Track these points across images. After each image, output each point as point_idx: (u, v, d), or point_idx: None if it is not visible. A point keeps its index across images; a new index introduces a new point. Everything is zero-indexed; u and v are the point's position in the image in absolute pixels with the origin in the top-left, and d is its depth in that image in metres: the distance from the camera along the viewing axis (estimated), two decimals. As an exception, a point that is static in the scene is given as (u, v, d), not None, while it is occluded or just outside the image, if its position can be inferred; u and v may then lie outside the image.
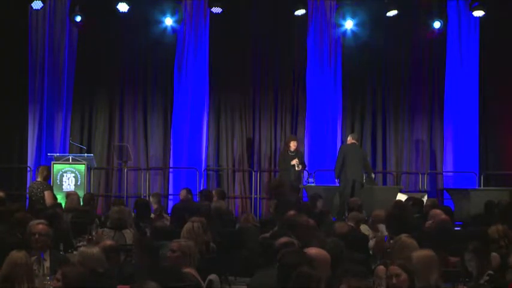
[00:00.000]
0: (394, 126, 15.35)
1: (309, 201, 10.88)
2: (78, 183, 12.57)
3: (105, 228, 7.63)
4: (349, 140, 12.67)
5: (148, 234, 7.74)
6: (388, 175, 15.37)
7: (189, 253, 5.65)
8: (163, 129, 14.94)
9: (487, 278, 5.58)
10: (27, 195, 13.86)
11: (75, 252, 7.03)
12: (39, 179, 10.90)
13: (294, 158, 12.81)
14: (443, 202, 14.04)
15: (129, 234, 7.43)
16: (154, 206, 10.26)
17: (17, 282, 4.97)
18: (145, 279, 4.74)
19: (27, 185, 14.03)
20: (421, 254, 5.14)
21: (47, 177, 11.16)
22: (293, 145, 12.94)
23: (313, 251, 5.20)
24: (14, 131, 14.52)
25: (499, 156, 15.30)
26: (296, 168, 12.74)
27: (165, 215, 10.12)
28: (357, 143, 12.87)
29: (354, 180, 12.26)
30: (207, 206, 9.10)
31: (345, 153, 12.36)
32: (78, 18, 13.93)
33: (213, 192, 11.00)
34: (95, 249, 5.49)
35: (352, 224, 7.90)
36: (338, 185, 12.57)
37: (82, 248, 5.87)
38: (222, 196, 10.77)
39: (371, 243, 7.56)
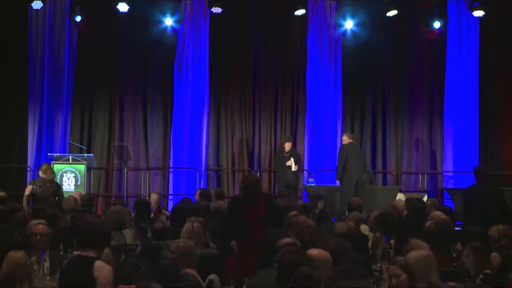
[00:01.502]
0: (394, 126, 15.35)
1: (310, 201, 10.87)
2: (78, 183, 12.59)
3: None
4: (346, 139, 12.61)
5: (149, 234, 7.73)
6: (388, 175, 15.36)
7: (188, 254, 5.64)
8: (163, 129, 14.94)
9: (482, 277, 5.59)
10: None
11: (75, 252, 7.03)
12: (51, 176, 10.90)
13: (289, 159, 12.84)
14: (443, 202, 14.03)
15: (128, 234, 7.42)
16: (155, 206, 10.27)
17: (18, 283, 4.97)
18: (146, 279, 4.75)
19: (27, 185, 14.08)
20: (418, 254, 5.14)
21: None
22: (287, 146, 12.99)
23: (315, 252, 5.20)
24: (14, 131, 14.53)
25: (499, 156, 15.30)
26: (292, 169, 12.77)
27: (164, 211, 10.12)
28: (355, 142, 12.90)
29: (357, 181, 12.30)
30: (207, 206, 9.10)
31: (346, 154, 12.35)
32: (78, 18, 13.91)
33: (211, 192, 11.01)
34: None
35: (352, 224, 7.89)
36: (338, 185, 12.57)
37: None
38: (221, 196, 10.75)
39: (370, 243, 7.57)
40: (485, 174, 9.34)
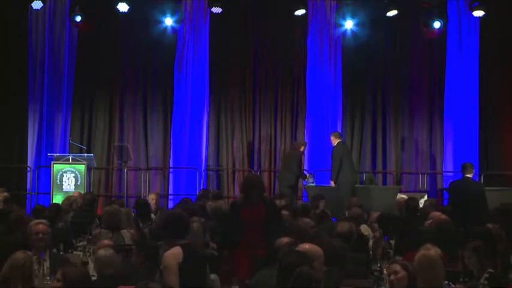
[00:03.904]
0: (394, 126, 15.35)
1: (311, 201, 10.87)
2: (78, 183, 12.59)
3: (102, 229, 7.61)
4: (335, 139, 12.50)
5: (147, 234, 7.73)
6: (388, 175, 15.37)
7: None
8: (163, 129, 14.94)
9: (487, 275, 5.57)
10: (27, 195, 13.98)
11: (75, 253, 7.04)
12: None
13: (301, 162, 12.95)
14: (443, 202, 14.03)
15: (127, 235, 7.41)
16: (154, 207, 10.27)
17: (13, 284, 4.97)
18: (146, 279, 4.74)
19: (27, 185, 14.10)
20: (419, 254, 5.12)
21: None
22: (303, 149, 13.10)
23: (306, 246, 5.21)
24: (14, 131, 14.52)
25: (499, 156, 15.30)
26: (311, 181, 12.89)
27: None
28: (345, 144, 12.94)
29: (356, 181, 12.32)
30: (203, 206, 9.11)
31: (342, 154, 12.32)
32: (78, 18, 13.92)
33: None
34: (109, 251, 5.53)
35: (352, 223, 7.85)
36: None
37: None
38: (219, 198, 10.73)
39: (371, 243, 7.57)
40: (469, 170, 10.39)
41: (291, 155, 13.16)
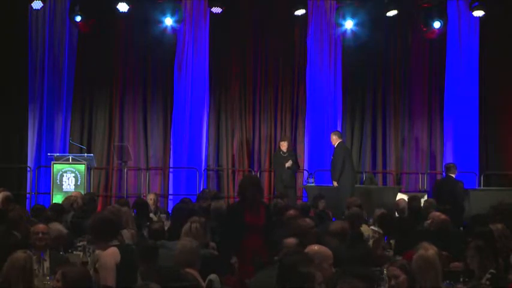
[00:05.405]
0: (394, 126, 15.35)
1: (311, 201, 10.87)
2: (78, 183, 12.58)
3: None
4: (336, 139, 12.48)
5: (146, 234, 7.73)
6: (388, 175, 15.37)
7: (184, 253, 5.61)
8: (163, 129, 14.94)
9: (489, 276, 5.55)
10: (27, 195, 13.98)
11: (75, 253, 7.04)
12: None
13: (287, 158, 12.84)
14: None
15: (127, 234, 7.39)
16: (152, 207, 10.26)
17: (13, 284, 4.98)
18: (146, 279, 4.75)
19: (27, 185, 14.09)
20: (418, 254, 5.11)
21: None
22: (283, 146, 13.01)
23: (315, 247, 5.21)
24: (14, 131, 14.51)
25: (499, 156, 15.31)
26: (286, 165, 12.74)
27: (161, 216, 10.09)
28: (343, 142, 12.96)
29: (356, 181, 12.34)
30: (207, 206, 9.10)
31: (344, 155, 12.32)
32: (78, 18, 13.92)
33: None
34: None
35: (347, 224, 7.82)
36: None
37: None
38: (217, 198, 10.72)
39: (371, 243, 7.56)
40: (452, 170, 11.65)
41: (275, 154, 13.22)
